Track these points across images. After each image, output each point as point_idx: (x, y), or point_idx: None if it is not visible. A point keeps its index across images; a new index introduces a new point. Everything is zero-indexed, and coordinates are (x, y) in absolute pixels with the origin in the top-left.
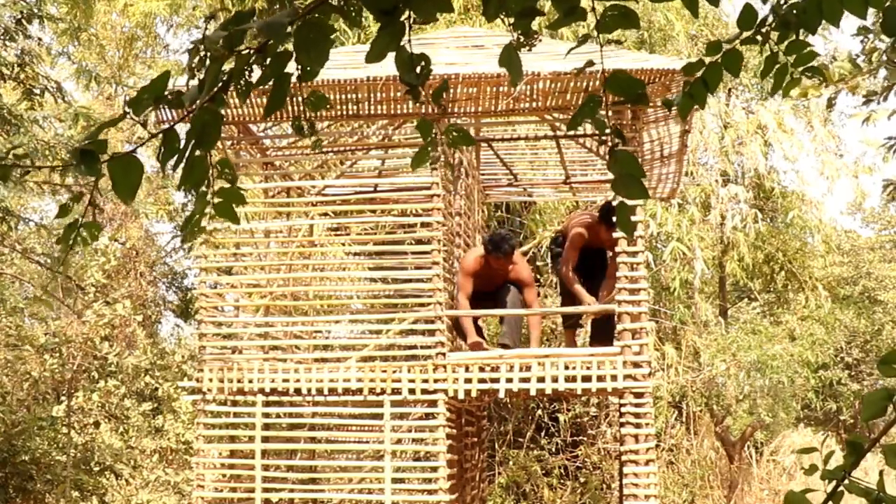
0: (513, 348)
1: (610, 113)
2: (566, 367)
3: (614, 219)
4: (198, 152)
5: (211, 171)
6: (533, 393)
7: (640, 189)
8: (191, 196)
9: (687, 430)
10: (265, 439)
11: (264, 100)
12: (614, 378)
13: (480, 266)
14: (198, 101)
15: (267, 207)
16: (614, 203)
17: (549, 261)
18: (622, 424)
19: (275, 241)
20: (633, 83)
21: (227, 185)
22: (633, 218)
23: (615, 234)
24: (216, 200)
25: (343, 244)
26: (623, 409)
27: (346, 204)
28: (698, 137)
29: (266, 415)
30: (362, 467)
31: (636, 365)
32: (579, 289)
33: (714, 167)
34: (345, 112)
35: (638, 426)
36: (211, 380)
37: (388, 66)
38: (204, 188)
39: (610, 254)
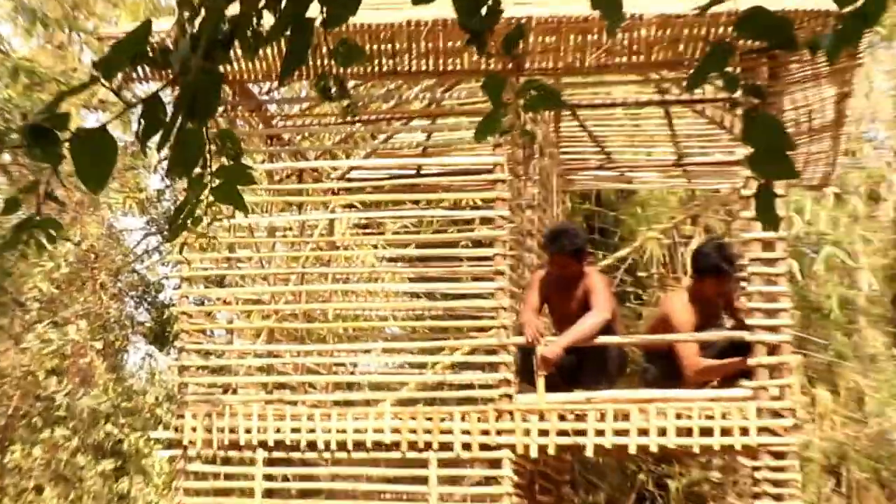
0: (603, 389)
1: (739, 70)
2: (678, 417)
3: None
4: (190, 125)
5: (208, 148)
6: (633, 451)
7: (788, 165)
8: (170, 181)
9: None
10: None
11: (271, 52)
12: (745, 432)
13: (550, 281)
14: (191, 61)
15: (272, 196)
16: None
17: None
18: (756, 496)
19: (282, 242)
20: (776, 24)
21: (227, 163)
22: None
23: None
24: (216, 182)
25: (374, 246)
26: (758, 475)
27: (378, 192)
28: (863, 103)
29: (269, 477)
30: None
31: (776, 414)
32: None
33: (886, 144)
34: (378, 69)
35: (779, 498)
36: (195, 429)
37: (439, 6)
38: (199, 169)
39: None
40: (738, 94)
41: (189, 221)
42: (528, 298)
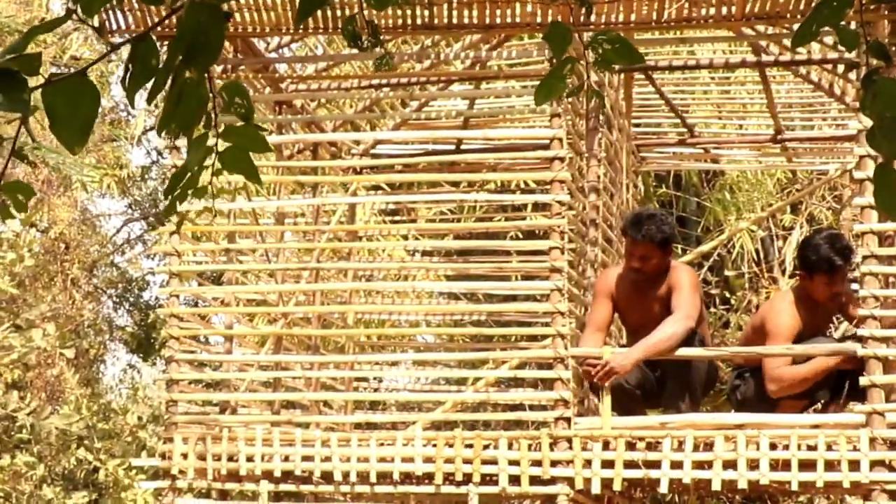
0: (684, 411)
1: (854, 25)
2: (773, 447)
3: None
4: (189, 74)
5: (212, 103)
6: (717, 487)
7: None
8: (165, 149)
9: None
10: None
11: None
12: (855, 466)
13: (623, 280)
14: None
15: (281, 175)
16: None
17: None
18: None
19: (293, 231)
20: None
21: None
22: None
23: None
24: (222, 146)
25: (405, 237)
26: None
27: (409, 171)
28: None
29: None
30: None
31: (894, 445)
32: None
33: None
34: (411, 21)
35: None
36: (185, 456)
37: None
38: (202, 128)
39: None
40: (856, 54)
41: (189, 191)
42: (594, 312)
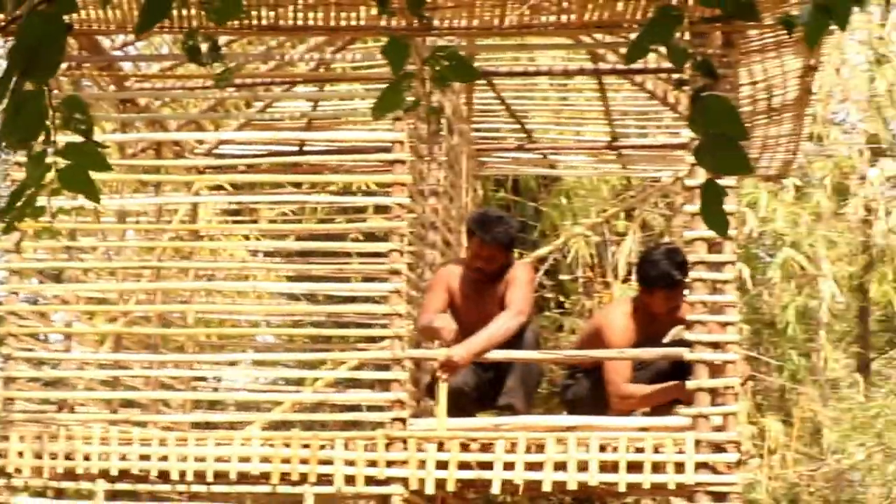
0: (520, 413)
1: (688, 36)
2: (602, 449)
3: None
4: (28, 85)
5: (51, 117)
6: (547, 488)
7: (740, 158)
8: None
9: None
10: None
11: None
12: (681, 468)
13: (463, 279)
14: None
15: (123, 173)
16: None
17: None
18: None
19: (135, 230)
20: None
21: (77, 140)
22: (725, 208)
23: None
24: (61, 164)
25: (246, 237)
26: None
27: (252, 172)
28: (832, 79)
29: None
30: None
31: (717, 447)
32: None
33: (857, 129)
34: (257, 22)
35: None
36: (21, 454)
37: None
38: (41, 142)
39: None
40: (686, 69)
41: (27, 210)
42: (431, 300)
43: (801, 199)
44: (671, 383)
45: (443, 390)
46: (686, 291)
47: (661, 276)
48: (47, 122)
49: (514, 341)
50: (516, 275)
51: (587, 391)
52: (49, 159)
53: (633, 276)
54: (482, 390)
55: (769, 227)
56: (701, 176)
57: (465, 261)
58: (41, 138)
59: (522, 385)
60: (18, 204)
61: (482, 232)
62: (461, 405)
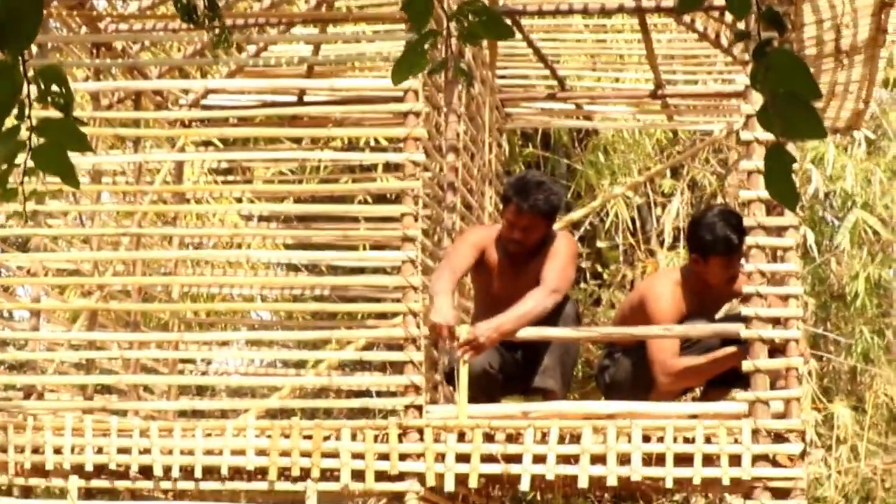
0: (557, 397)
1: None
2: (646, 439)
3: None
4: (2, 55)
5: (26, 89)
6: (584, 484)
7: (812, 122)
8: None
9: None
10: None
11: None
12: (736, 461)
13: (499, 248)
14: None
15: (99, 128)
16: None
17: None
18: None
19: (111, 192)
20: None
21: (55, 115)
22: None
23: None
24: (38, 141)
25: (238, 200)
26: None
27: (245, 125)
28: None
29: None
30: None
31: (778, 437)
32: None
33: None
34: None
35: None
36: None
37: None
38: (13, 118)
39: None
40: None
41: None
42: (455, 255)
43: (874, 155)
44: (729, 349)
45: (464, 373)
46: (743, 260)
47: (719, 241)
48: (21, 96)
49: (552, 316)
50: (557, 247)
51: (628, 373)
52: (22, 136)
53: (683, 243)
54: (509, 372)
55: (837, 187)
56: (758, 128)
57: (501, 230)
58: (14, 112)
59: (560, 365)
60: None
61: (520, 199)
62: (485, 389)
